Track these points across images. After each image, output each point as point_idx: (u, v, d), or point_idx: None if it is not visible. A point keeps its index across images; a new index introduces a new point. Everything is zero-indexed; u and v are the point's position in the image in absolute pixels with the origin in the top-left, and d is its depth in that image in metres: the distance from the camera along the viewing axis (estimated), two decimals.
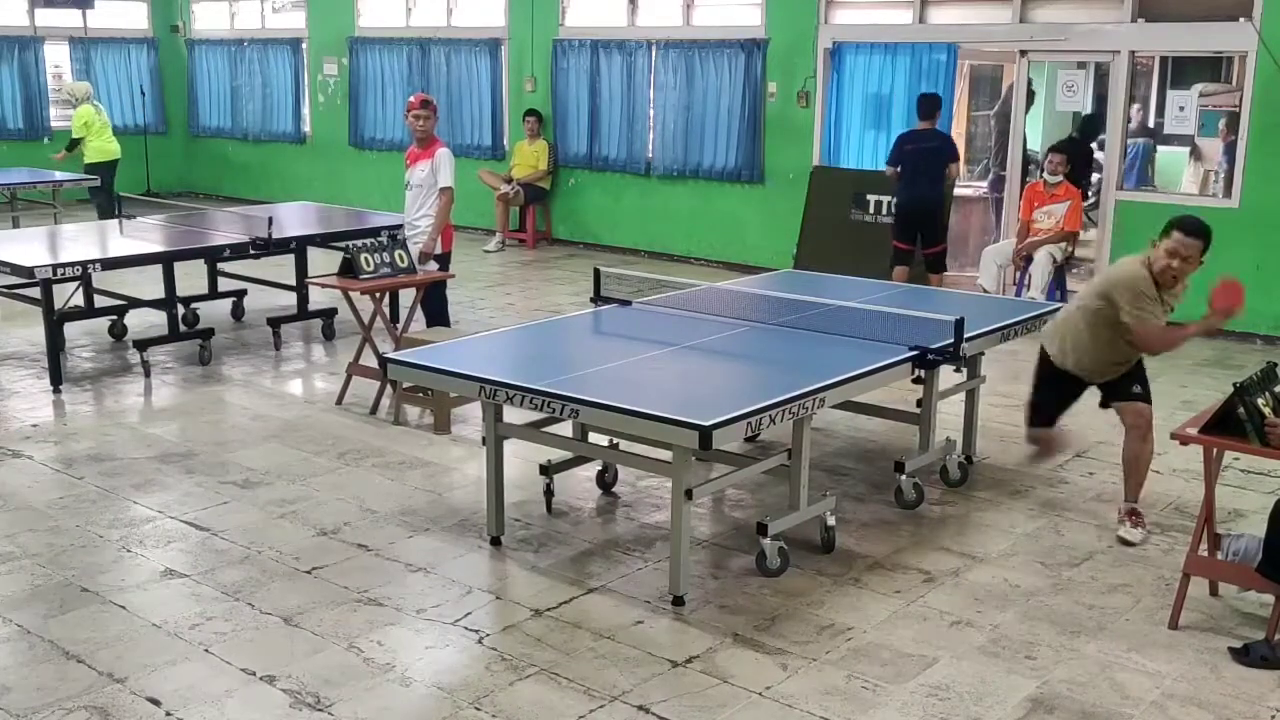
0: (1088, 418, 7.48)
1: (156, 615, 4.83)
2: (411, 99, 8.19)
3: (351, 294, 7.50)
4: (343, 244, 8.41)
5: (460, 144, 14.85)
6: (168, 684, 4.31)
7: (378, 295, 7.60)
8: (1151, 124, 12.43)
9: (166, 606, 4.91)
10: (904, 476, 6.06)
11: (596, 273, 6.75)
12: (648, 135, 13.36)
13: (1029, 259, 10.11)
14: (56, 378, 8.04)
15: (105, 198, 13.21)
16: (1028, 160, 11.73)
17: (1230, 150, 10.11)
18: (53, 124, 16.85)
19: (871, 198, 11.24)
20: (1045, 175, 10.27)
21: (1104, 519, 5.98)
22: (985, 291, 10.13)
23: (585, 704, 4.21)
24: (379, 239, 7.75)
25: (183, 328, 9.03)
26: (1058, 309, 6.87)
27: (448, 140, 14.72)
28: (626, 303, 6.71)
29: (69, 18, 16.55)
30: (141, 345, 8.54)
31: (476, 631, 4.74)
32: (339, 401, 7.78)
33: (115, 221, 9.83)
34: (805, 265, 10.87)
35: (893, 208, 10.66)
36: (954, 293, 8.03)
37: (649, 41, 13.09)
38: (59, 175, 13.57)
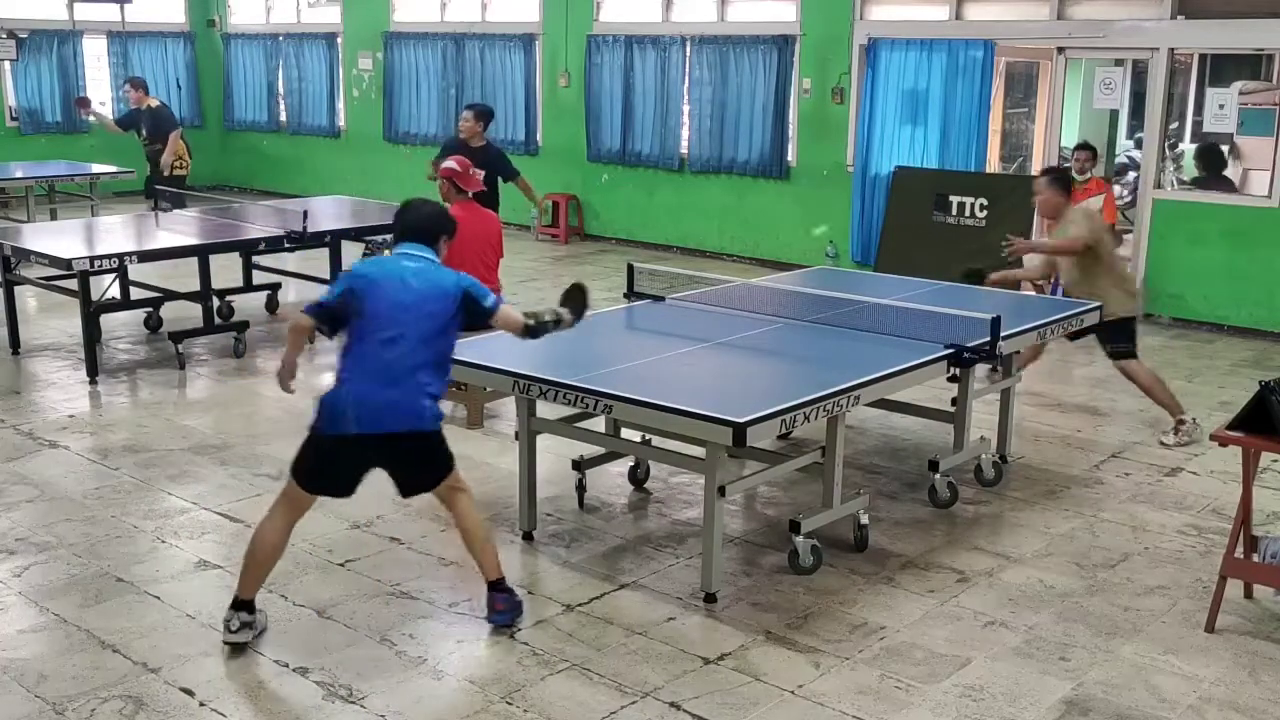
0: (1119, 423, 7.43)
1: (190, 606, 4.86)
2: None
3: None
4: (378, 238, 8.39)
5: (493, 139, 14.83)
6: (201, 674, 4.34)
7: None
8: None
9: (200, 597, 4.94)
10: (938, 475, 6.03)
11: (630, 269, 6.75)
12: (681, 131, 13.34)
13: None
14: (93, 369, 8.11)
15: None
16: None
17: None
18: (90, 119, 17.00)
19: (954, 199, 11.09)
20: (1074, 173, 10.18)
21: (1140, 520, 5.93)
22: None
23: (616, 700, 4.21)
24: None
25: (218, 320, 9.08)
26: (1099, 307, 6.83)
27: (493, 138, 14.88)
28: (660, 299, 6.69)
29: (107, 12, 16.65)
30: (177, 337, 8.60)
31: (508, 626, 4.74)
32: None
33: (151, 214, 9.90)
34: (886, 267, 10.76)
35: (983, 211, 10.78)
36: (992, 291, 7.95)
37: (683, 37, 13.06)
38: (96, 168, 13.67)
